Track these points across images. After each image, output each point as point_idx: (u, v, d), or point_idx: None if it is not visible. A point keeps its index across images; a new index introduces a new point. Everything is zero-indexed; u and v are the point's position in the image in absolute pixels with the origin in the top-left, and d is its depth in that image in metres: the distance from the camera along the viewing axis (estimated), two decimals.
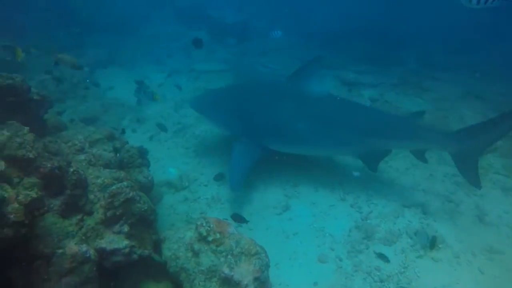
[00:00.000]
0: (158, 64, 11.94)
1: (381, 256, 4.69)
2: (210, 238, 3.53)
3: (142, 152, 4.91)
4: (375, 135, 5.30)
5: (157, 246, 3.77)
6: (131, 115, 8.41)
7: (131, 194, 3.53)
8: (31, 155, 3.42)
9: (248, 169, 5.31)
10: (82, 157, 4.24)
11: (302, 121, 5.40)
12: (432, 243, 4.74)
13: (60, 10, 13.60)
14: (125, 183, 3.59)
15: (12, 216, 2.57)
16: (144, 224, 3.69)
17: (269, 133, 5.58)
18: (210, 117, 6.28)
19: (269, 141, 5.61)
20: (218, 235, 3.56)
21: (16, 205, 2.64)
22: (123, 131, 4.81)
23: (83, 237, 3.37)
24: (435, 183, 6.07)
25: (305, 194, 5.99)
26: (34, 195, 2.91)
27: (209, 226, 3.59)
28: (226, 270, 3.30)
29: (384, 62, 10.94)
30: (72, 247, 3.11)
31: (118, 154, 4.72)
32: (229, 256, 3.42)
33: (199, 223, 3.63)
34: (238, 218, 4.66)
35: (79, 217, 3.68)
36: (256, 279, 3.34)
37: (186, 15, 15.46)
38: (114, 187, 3.50)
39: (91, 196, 3.80)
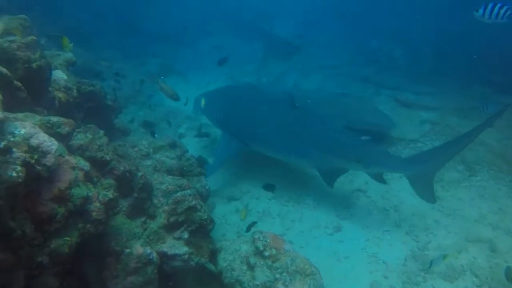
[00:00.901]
0: (215, 74, 12.34)
1: None
2: (266, 253, 3.54)
3: (201, 162, 5.10)
4: (333, 153, 5.54)
5: (212, 255, 3.85)
6: (188, 123, 8.76)
7: (193, 203, 3.66)
8: (107, 158, 3.70)
9: (225, 159, 6.10)
10: (148, 162, 4.50)
11: (271, 126, 5.91)
12: (508, 275, 4.27)
13: (123, 21, 14.67)
14: (188, 191, 3.74)
15: (94, 213, 2.79)
16: (202, 232, 3.80)
17: (246, 131, 6.20)
18: (206, 114, 7.08)
19: (246, 139, 6.15)
20: (274, 251, 3.57)
21: (97, 204, 2.87)
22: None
23: (147, 240, 3.56)
24: (506, 219, 5.55)
25: (357, 217, 5.82)
26: (111, 196, 3.13)
27: (266, 241, 3.61)
28: None
29: (446, 84, 10.35)
30: (138, 248, 3.29)
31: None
32: (284, 274, 3.41)
33: (256, 236, 3.67)
34: (269, 187, 5.11)
35: (142, 219, 3.91)
36: None
37: (243, 28, 15.92)
38: (178, 194, 3.66)
39: (155, 201, 4.02)
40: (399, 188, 6.47)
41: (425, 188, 5.25)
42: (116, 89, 8.60)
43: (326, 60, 13.21)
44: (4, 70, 3.04)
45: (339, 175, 5.68)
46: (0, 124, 1.96)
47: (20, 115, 2.85)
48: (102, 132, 4.06)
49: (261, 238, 3.63)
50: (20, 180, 1.90)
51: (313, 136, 5.71)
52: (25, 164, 2.02)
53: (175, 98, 4.86)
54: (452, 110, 8.82)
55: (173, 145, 5.17)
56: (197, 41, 15.36)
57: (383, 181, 5.57)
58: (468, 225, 5.48)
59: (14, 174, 1.86)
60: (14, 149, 2.02)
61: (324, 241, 5.35)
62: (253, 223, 4.78)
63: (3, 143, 1.92)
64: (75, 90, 4.57)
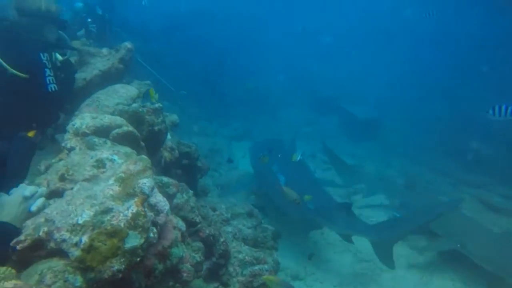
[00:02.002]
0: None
1: None
2: None
3: (276, 235, 5.15)
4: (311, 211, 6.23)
5: None
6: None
7: None
8: (197, 220, 3.99)
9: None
10: (229, 229, 4.69)
11: (271, 178, 7.19)
12: None
13: (212, 83, 16.13)
14: (266, 266, 3.79)
15: (185, 274, 2.97)
16: None
17: (265, 182, 7.60)
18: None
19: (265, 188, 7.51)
20: None
21: (188, 265, 3.06)
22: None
23: None
24: None
25: None
26: (198, 259, 3.33)
27: None
28: None
29: None
30: None
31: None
32: None
33: None
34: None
35: (216, 285, 3.99)
36: None
37: (321, 103, 16.54)
38: (256, 267, 3.73)
39: (230, 269, 4.11)
40: None
41: (385, 254, 5.79)
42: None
43: (404, 147, 12.89)
44: (136, 132, 3.62)
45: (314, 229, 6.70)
46: (151, 190, 2.33)
47: None
48: (191, 192, 4.44)
49: None
50: (155, 241, 2.18)
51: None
52: (154, 223, 2.33)
53: (299, 202, 5.17)
54: None
55: (250, 214, 5.36)
56: (276, 110, 16.33)
57: (351, 241, 6.06)
58: None
59: (152, 235, 2.15)
60: (146, 209, 2.35)
61: None
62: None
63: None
64: (176, 151, 5.14)
